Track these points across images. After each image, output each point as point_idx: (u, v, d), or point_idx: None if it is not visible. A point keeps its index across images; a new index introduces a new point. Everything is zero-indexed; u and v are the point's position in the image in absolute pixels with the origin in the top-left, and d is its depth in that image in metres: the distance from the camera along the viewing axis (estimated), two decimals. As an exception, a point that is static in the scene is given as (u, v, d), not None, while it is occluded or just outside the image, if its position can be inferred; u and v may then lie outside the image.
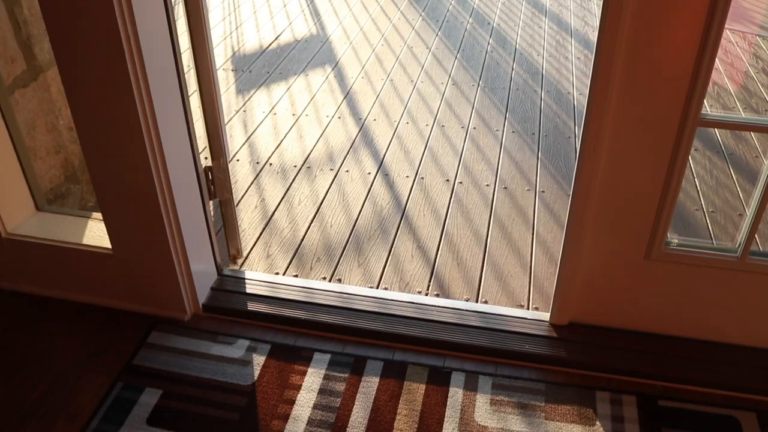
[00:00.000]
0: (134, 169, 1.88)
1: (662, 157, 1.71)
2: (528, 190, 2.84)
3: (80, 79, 1.73)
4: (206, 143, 2.16)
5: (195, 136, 2.04)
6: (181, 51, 1.90)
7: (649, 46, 1.55)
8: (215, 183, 2.20)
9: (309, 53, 4.18)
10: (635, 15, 1.51)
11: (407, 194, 2.81)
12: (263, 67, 4.01)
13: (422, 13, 4.79)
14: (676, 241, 1.89)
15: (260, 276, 2.33)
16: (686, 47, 1.53)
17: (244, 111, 3.52)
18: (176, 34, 1.84)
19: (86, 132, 1.85)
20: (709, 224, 2.67)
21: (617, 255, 1.92)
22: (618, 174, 1.76)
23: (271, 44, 4.33)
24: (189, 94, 1.99)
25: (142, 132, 1.80)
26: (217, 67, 4.02)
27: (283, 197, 2.82)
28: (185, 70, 1.93)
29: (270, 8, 4.99)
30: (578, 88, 3.72)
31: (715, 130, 3.28)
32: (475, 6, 4.93)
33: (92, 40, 1.65)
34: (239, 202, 2.80)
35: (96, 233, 2.25)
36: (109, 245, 2.13)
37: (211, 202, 2.22)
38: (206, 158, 2.20)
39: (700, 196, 2.84)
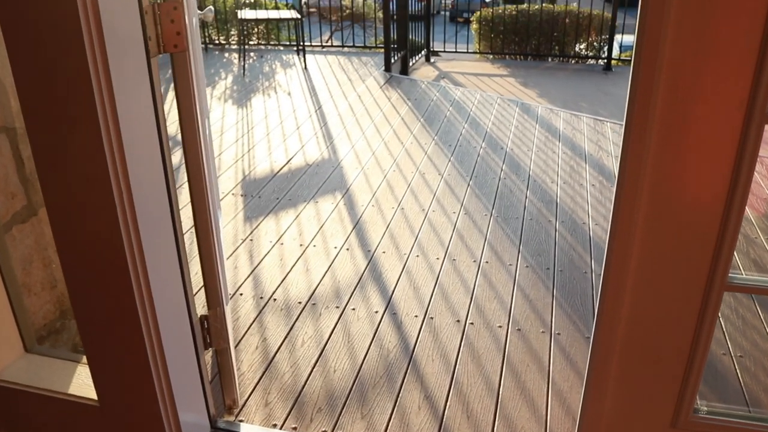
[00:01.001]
0: (121, 319, 1.77)
1: (689, 313, 1.58)
2: (542, 332, 2.70)
3: (67, 218, 1.65)
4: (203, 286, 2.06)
5: (189, 284, 1.93)
6: (176, 186, 1.82)
7: (675, 183, 1.45)
8: (211, 332, 2.09)
9: (320, 178, 4.14)
10: (659, 143, 1.40)
11: (416, 336, 2.68)
12: (273, 193, 3.96)
13: (435, 137, 4.77)
14: (705, 408, 1.74)
15: (256, 430, 2.18)
16: (716, 182, 1.43)
17: (251, 240, 3.44)
18: (171, 168, 1.76)
19: (72, 275, 1.75)
20: (738, 371, 2.50)
21: (639, 420, 1.77)
22: (642, 328, 1.63)
23: (282, 168, 4.30)
24: (183, 232, 1.90)
25: (130, 277, 1.69)
26: (226, 193, 3.99)
27: (285, 337, 2.69)
28: (181, 206, 1.85)
29: (283, 130, 5.01)
30: (594, 217, 3.62)
31: (739, 262, 3.16)
32: (488, 129, 4.92)
33: (82, 180, 1.58)
34: (239, 341, 2.67)
35: (84, 380, 2.12)
36: (95, 396, 2.01)
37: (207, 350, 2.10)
38: (203, 306, 2.10)
39: (727, 338, 2.69)
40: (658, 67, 1.33)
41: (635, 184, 1.45)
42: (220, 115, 5.45)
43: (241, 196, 3.95)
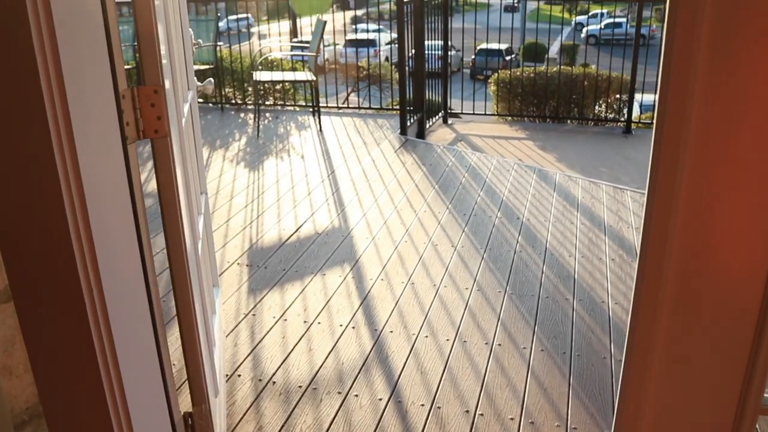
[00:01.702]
0: (89, 418, 1.62)
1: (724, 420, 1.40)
2: (558, 426, 2.51)
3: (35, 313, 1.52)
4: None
5: (171, 378, 1.79)
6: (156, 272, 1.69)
7: (706, 261, 1.29)
8: (195, 430, 1.93)
9: (329, 248, 4.00)
10: (686, 214, 1.23)
11: (421, 428, 2.50)
12: (279, 263, 3.83)
13: (449, 205, 4.64)
14: None
15: None
16: (755, 259, 1.27)
17: (254, 315, 3.29)
18: (150, 259, 1.63)
19: (38, 367, 1.61)
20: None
21: None
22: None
23: (290, 237, 4.18)
24: (165, 321, 1.76)
25: (100, 376, 1.55)
26: (231, 262, 3.86)
27: (283, 425, 2.52)
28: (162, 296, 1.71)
29: (294, 195, 4.90)
30: (614, 295, 3.45)
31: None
32: (504, 198, 4.78)
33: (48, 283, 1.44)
34: (234, 429, 2.50)
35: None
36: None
37: (189, 452, 1.94)
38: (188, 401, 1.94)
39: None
40: (684, 127, 1.15)
41: (659, 262, 1.28)
42: (231, 177, 5.37)
43: (247, 266, 3.82)
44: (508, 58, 28.97)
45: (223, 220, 4.47)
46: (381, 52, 27.97)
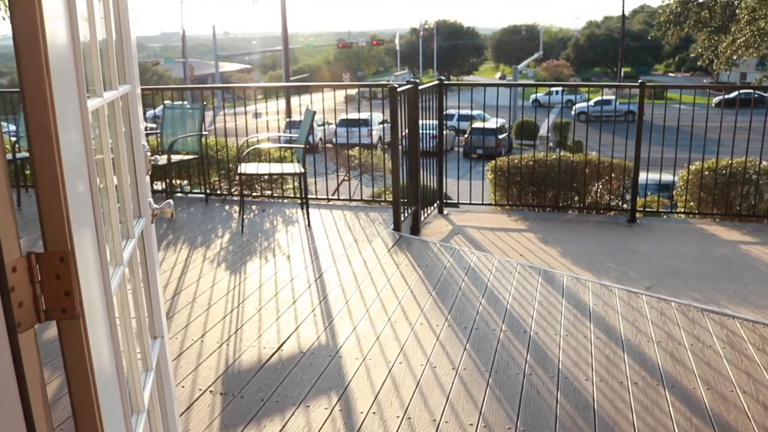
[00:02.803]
0: None
1: None
2: None
3: None
4: None
5: None
6: None
7: None
8: None
9: (314, 372, 3.55)
10: None
11: None
12: (258, 391, 3.37)
13: (448, 316, 4.21)
14: None
15: None
16: None
17: (224, 463, 2.82)
18: None
19: None
20: None
21: None
22: None
23: (271, 357, 3.73)
24: None
25: None
26: (203, 390, 3.40)
27: None
28: None
29: (278, 304, 4.47)
30: (640, 430, 2.99)
31: None
32: (508, 306, 4.36)
33: None
34: None
35: None
36: None
37: None
38: None
39: None
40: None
41: None
42: (211, 281, 4.94)
43: (221, 394, 3.36)
44: (501, 136, 29.02)
45: (197, 335, 4.03)
46: (374, 132, 28.00)
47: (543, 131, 31.14)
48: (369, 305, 4.40)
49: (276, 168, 6.45)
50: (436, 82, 7.01)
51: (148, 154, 2.24)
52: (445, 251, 5.53)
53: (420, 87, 6.33)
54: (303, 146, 6.27)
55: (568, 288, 4.68)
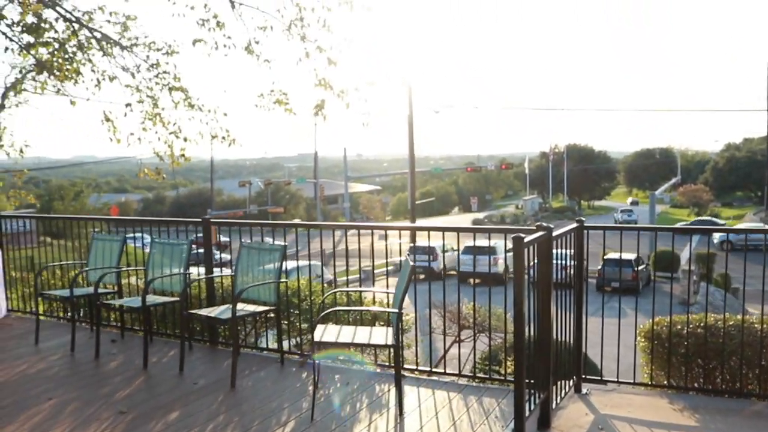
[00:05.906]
0: None
1: None
2: None
3: None
4: None
5: None
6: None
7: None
8: None
9: None
10: None
11: None
12: None
13: None
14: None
15: None
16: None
17: None
18: None
19: None
20: None
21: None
22: None
23: None
24: None
25: None
26: None
27: None
28: None
29: None
30: None
31: None
32: None
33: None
34: None
35: None
36: None
37: None
38: None
39: None
40: None
41: None
42: None
43: None
44: (639, 268, 26.61)
45: None
46: (500, 261, 26.19)
47: (683, 261, 28.52)
48: None
49: (362, 336, 4.95)
50: (575, 225, 5.40)
51: None
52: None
53: (555, 233, 4.77)
54: (398, 311, 4.76)
55: None
